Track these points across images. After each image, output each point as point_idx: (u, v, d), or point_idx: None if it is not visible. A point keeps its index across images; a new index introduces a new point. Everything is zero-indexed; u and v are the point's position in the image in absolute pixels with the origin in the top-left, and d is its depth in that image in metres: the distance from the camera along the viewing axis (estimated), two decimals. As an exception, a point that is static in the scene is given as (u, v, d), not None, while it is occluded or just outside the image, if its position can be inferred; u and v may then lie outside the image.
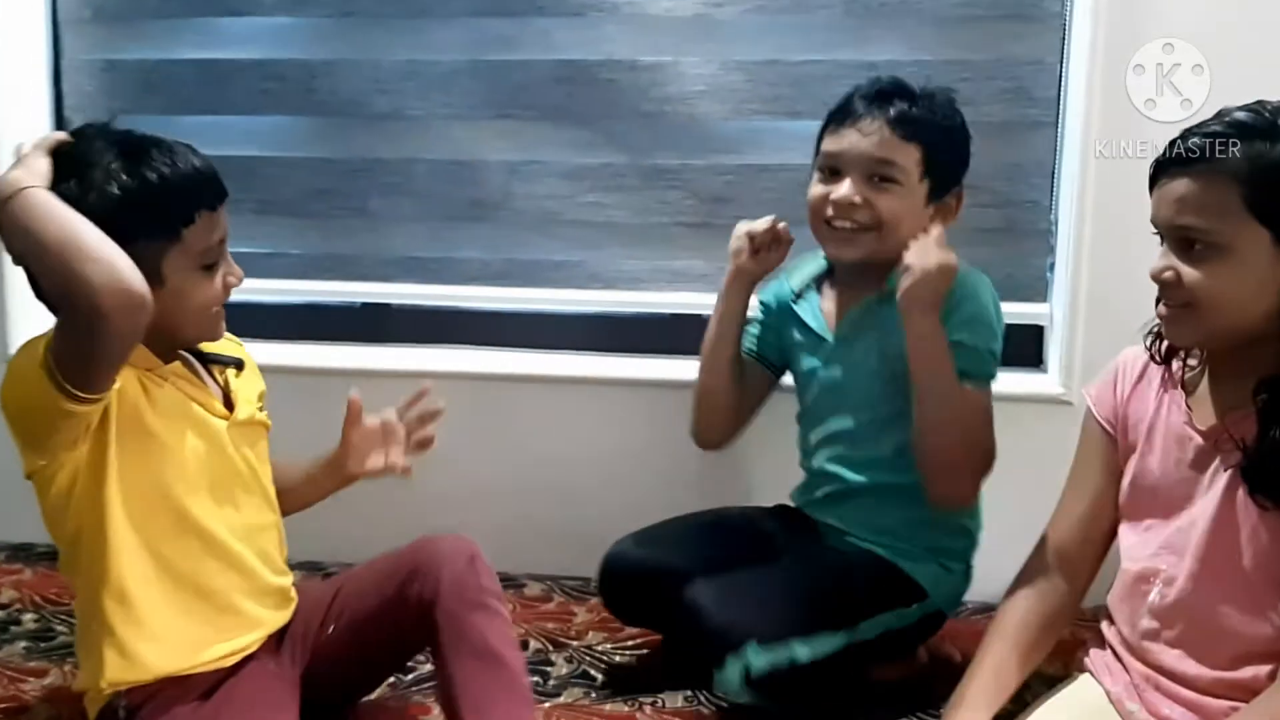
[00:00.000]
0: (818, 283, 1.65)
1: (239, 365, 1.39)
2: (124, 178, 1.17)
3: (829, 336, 1.61)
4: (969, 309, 1.51)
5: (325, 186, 2.06)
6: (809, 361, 1.64)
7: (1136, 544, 1.30)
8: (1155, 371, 1.32)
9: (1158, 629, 1.25)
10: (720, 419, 1.69)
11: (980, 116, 1.89)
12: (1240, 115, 1.19)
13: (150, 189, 1.18)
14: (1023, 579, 1.39)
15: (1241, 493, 1.17)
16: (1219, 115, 1.20)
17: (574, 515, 1.98)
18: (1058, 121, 1.88)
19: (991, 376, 1.53)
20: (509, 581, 1.92)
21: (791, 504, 1.72)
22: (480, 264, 2.07)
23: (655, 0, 1.92)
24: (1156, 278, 1.20)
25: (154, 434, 1.23)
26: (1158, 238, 1.22)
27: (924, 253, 1.45)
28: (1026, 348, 1.96)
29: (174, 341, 1.28)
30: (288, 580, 1.39)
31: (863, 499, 1.60)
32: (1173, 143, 1.20)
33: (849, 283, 1.60)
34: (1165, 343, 1.30)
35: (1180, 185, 1.17)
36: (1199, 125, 1.20)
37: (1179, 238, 1.18)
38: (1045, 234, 1.92)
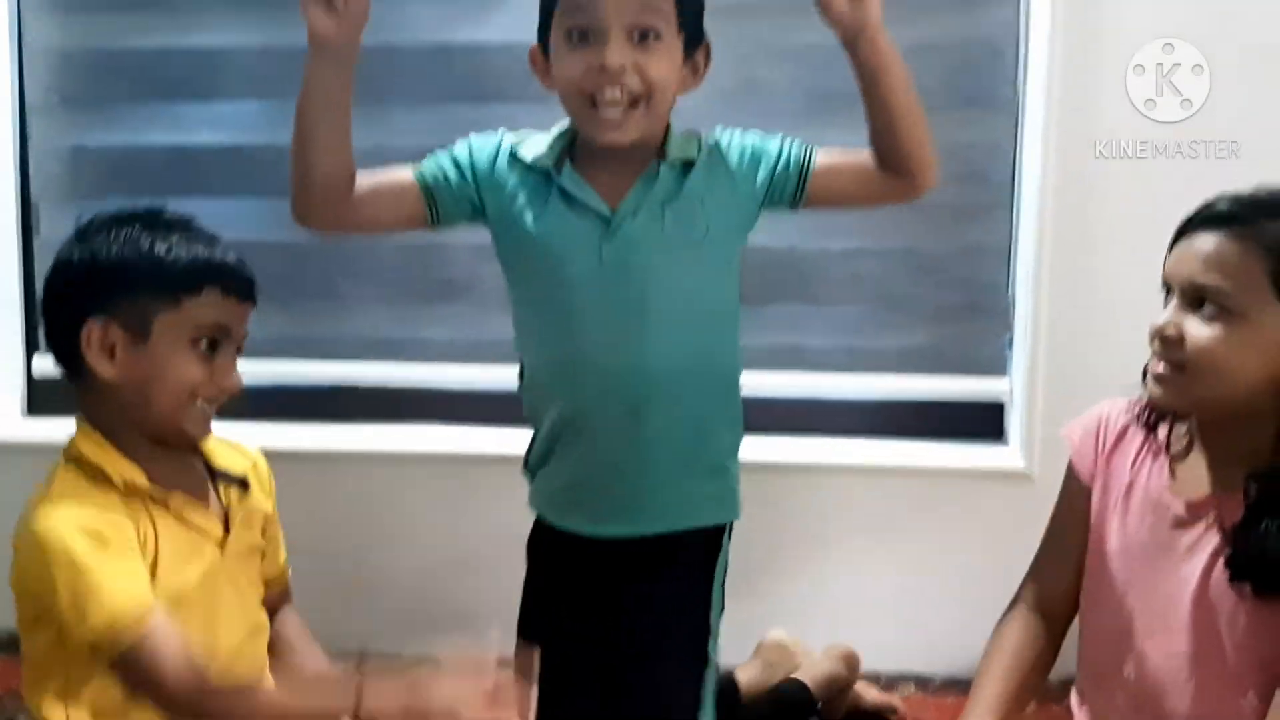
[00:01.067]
0: (561, 156, 1.36)
1: (244, 485, 1.36)
2: (145, 234, 1.24)
3: (609, 214, 1.32)
4: (744, 144, 1.39)
5: (293, 269, 2.07)
6: (577, 251, 1.33)
7: (1108, 616, 1.30)
8: (1138, 434, 1.32)
9: (1130, 709, 1.26)
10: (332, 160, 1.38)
11: (939, 199, 1.93)
12: (1276, 191, 1.20)
13: (165, 248, 1.23)
14: (1010, 617, 1.39)
15: (1219, 573, 1.18)
16: (1257, 189, 1.21)
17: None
18: (1013, 204, 1.94)
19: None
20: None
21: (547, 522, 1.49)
22: (447, 344, 2.08)
23: (620, 87, 1.97)
24: (1160, 333, 1.20)
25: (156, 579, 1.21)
26: (1165, 294, 1.23)
27: None
28: (988, 422, 2.01)
29: (141, 420, 1.24)
30: None
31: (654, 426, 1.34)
32: (1206, 205, 1.22)
33: (609, 159, 1.33)
34: (1152, 414, 1.30)
35: (1209, 242, 1.17)
36: (1240, 193, 1.21)
37: (1193, 296, 1.18)
38: (1004, 312, 1.97)
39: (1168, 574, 1.24)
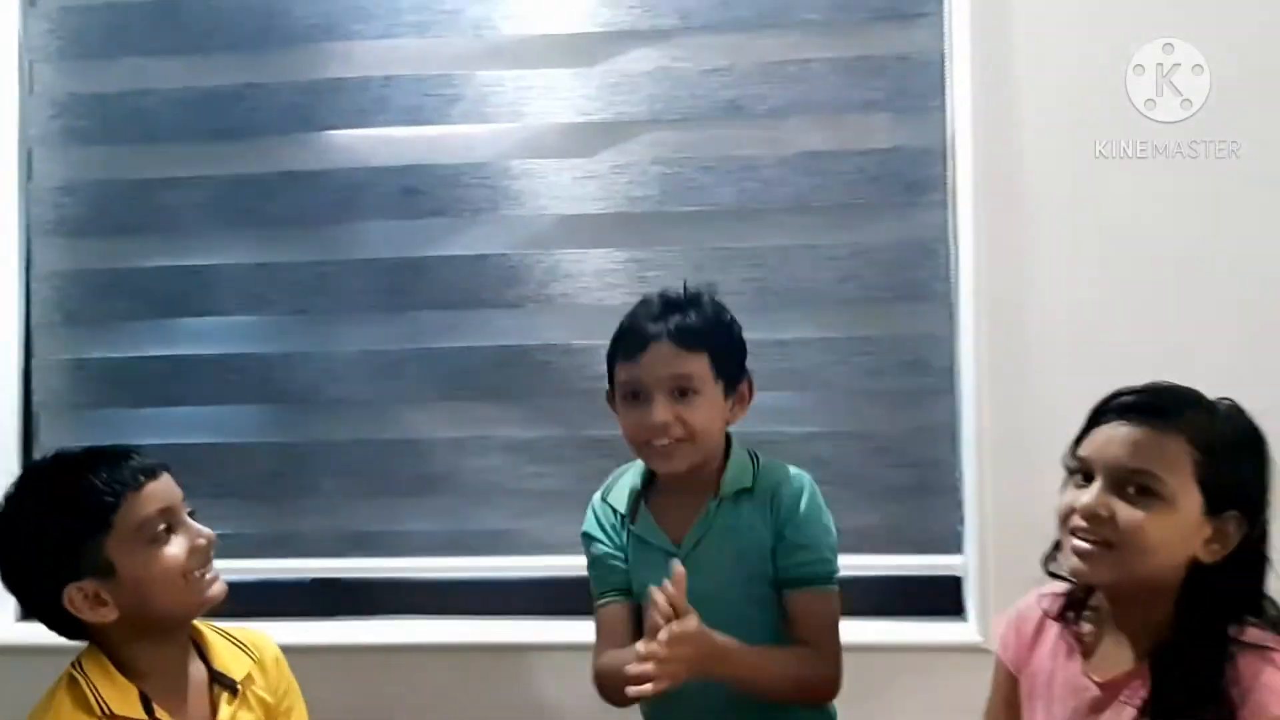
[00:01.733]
0: (637, 500, 1.64)
1: (233, 690, 1.39)
2: (50, 498, 1.30)
3: (674, 550, 1.58)
4: (789, 508, 1.57)
5: (279, 469, 2.17)
6: (651, 581, 1.52)
7: None
8: (1053, 627, 1.40)
9: None
10: None
11: (885, 386, 2.08)
12: (1178, 387, 1.29)
13: (76, 494, 1.28)
14: None
15: None
16: (1157, 384, 1.30)
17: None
18: (953, 389, 2.06)
19: (835, 572, 1.59)
20: None
21: None
22: (425, 535, 2.17)
23: (587, 292, 2.12)
24: (1088, 512, 1.25)
25: None
26: (1075, 476, 1.29)
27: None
28: (946, 598, 2.07)
29: (157, 624, 1.32)
30: None
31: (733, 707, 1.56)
32: (1120, 394, 1.29)
33: (678, 490, 1.61)
34: (1066, 603, 1.40)
35: (1138, 432, 1.24)
36: (1141, 385, 1.29)
37: (1120, 479, 1.24)
38: (953, 490, 2.06)
39: None
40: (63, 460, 1.35)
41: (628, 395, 1.57)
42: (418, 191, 2.16)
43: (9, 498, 1.33)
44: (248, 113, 2.19)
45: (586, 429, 2.11)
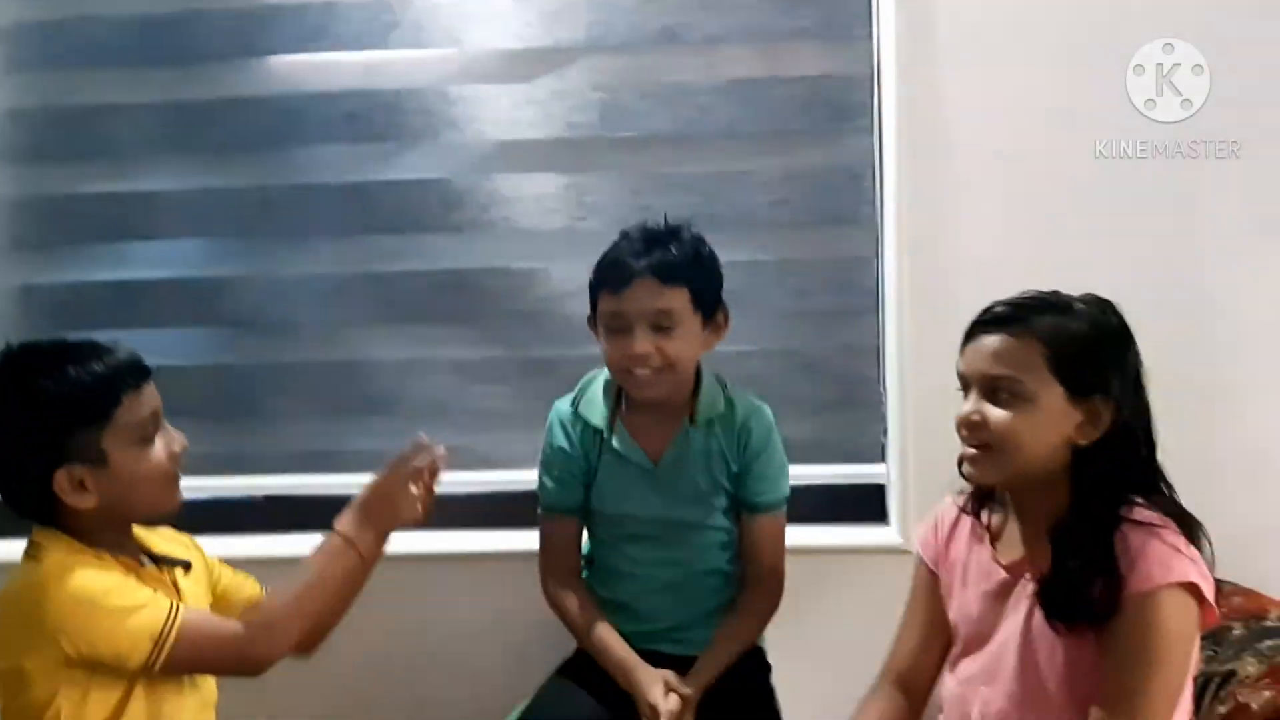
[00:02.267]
0: (612, 416, 1.76)
1: (186, 566, 1.49)
2: (51, 385, 1.33)
3: (652, 467, 1.75)
4: (757, 446, 1.74)
5: (228, 390, 2.24)
6: (626, 495, 1.77)
7: (959, 673, 1.49)
8: (966, 522, 1.53)
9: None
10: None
11: (815, 306, 2.17)
12: (1040, 294, 1.42)
13: (77, 386, 1.33)
14: (873, 695, 1.58)
15: (1038, 618, 1.36)
16: (1021, 294, 1.42)
17: (471, 690, 2.09)
18: (878, 309, 2.15)
19: (786, 496, 1.79)
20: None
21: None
22: (374, 454, 2.22)
23: (526, 216, 2.18)
24: (964, 421, 1.40)
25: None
26: (962, 391, 1.42)
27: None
28: (870, 505, 2.19)
29: (131, 517, 1.41)
30: None
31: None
32: (986, 310, 1.42)
33: (651, 410, 1.74)
34: (972, 496, 1.53)
35: (994, 341, 1.38)
36: (1007, 299, 1.42)
37: (988, 386, 1.38)
38: (878, 404, 2.17)
39: (998, 629, 1.43)
40: (65, 348, 1.38)
41: (610, 326, 1.67)
42: (358, 117, 2.20)
43: (6, 371, 1.37)
44: (190, 38, 2.21)
45: (528, 350, 2.19)
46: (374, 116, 2.20)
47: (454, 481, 2.20)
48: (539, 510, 1.84)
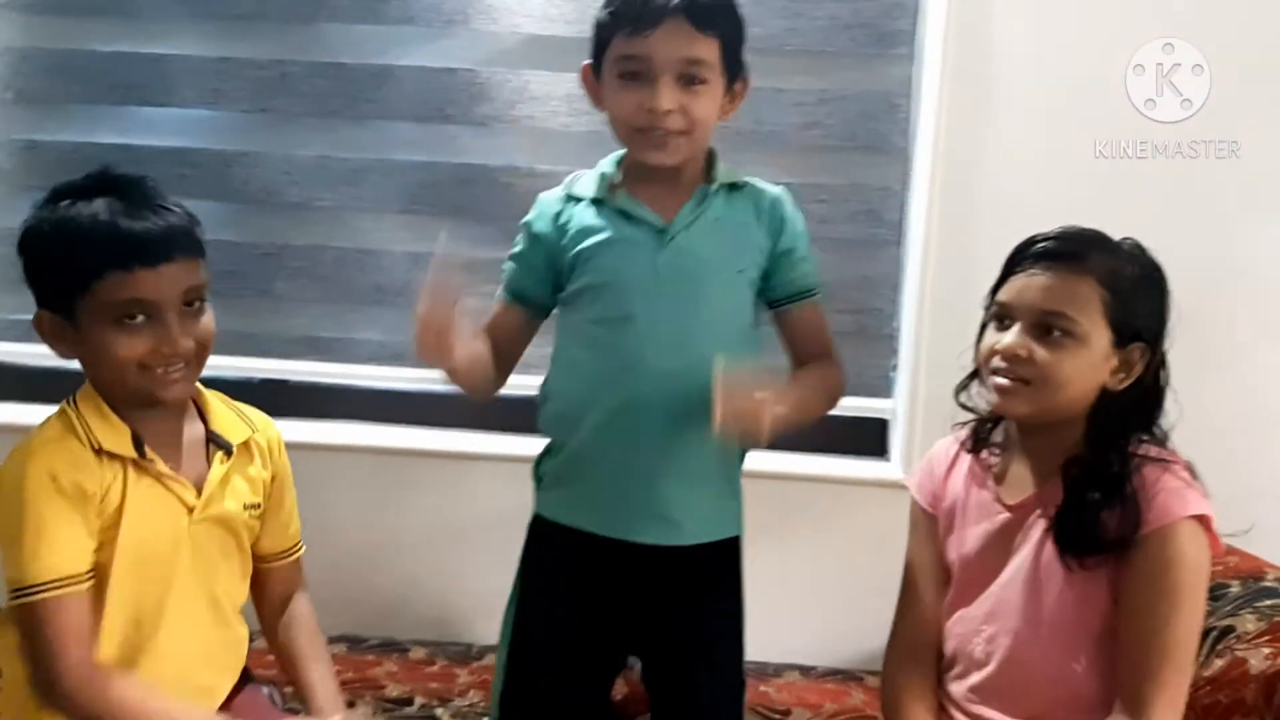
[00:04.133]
0: (611, 186, 1.49)
1: (228, 451, 1.40)
2: (58, 224, 1.28)
3: (665, 226, 1.45)
4: (796, 226, 1.52)
5: (234, 268, 2.19)
6: (634, 260, 1.45)
7: (960, 611, 1.49)
8: (965, 459, 1.53)
9: (979, 678, 1.43)
10: (492, 387, 1.57)
11: (836, 234, 2.14)
12: (1089, 232, 1.40)
13: (73, 235, 1.26)
14: (899, 662, 1.53)
15: (1046, 556, 1.37)
16: (1066, 229, 1.40)
17: (461, 585, 2.11)
18: (901, 241, 2.14)
19: (820, 281, 1.58)
20: (394, 645, 2.04)
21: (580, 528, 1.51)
22: (378, 345, 2.21)
23: (554, 116, 2.13)
24: (1008, 352, 1.35)
25: (122, 529, 1.29)
26: (997, 321, 1.39)
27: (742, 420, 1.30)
28: (872, 439, 2.20)
29: (113, 390, 1.31)
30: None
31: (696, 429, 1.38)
32: (1035, 241, 1.39)
33: (659, 180, 1.47)
34: (974, 432, 1.53)
35: (1049, 278, 1.35)
36: (1055, 231, 1.39)
37: (1038, 322, 1.35)
38: (889, 338, 2.16)
39: (1002, 566, 1.43)
40: (114, 189, 1.31)
41: (627, 74, 1.41)
42: (388, -3, 2.13)
43: (63, 190, 1.32)
44: (216, -99, 2.12)
45: (544, 253, 2.15)
46: (405, -3, 2.12)
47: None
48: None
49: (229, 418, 1.44)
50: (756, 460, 2.15)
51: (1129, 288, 1.35)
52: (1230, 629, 1.53)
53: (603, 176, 1.49)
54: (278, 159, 2.17)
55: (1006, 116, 2.02)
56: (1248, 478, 1.87)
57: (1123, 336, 1.35)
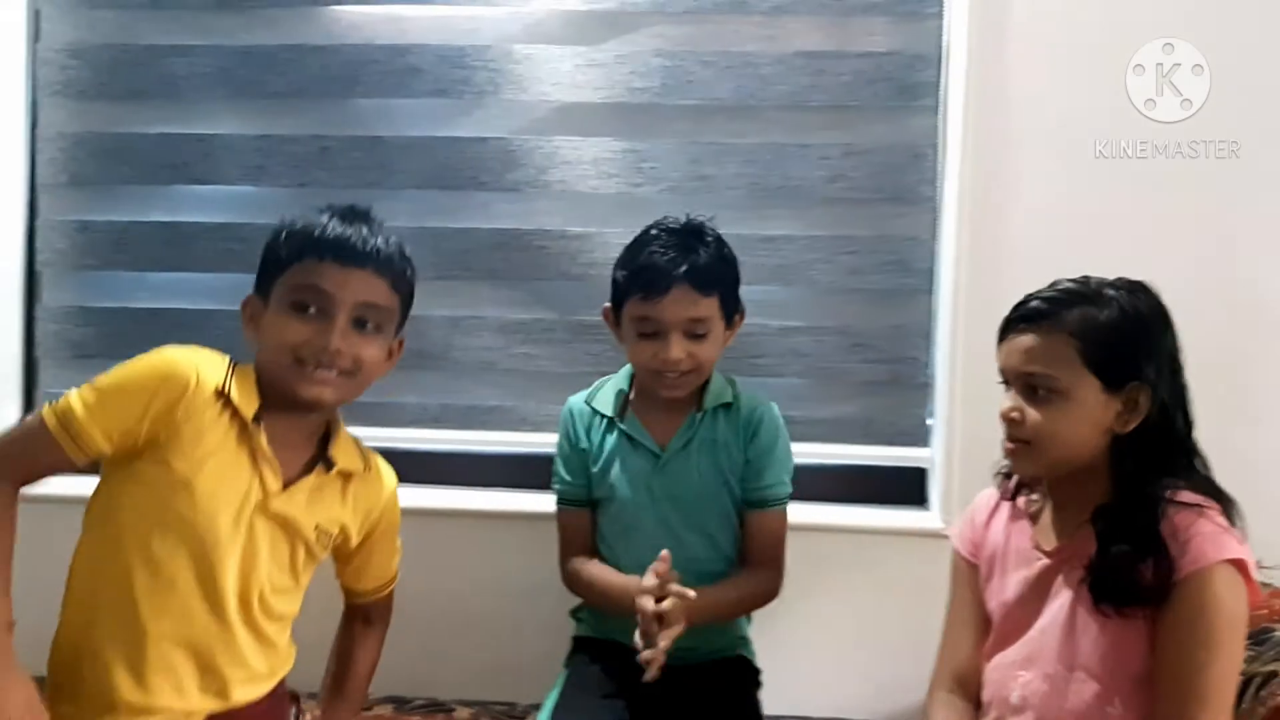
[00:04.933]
0: (624, 404, 1.81)
1: (327, 467, 1.47)
2: (295, 217, 1.47)
3: (660, 451, 1.77)
4: (766, 441, 1.77)
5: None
6: (633, 481, 1.78)
7: (999, 657, 1.48)
8: (1005, 507, 1.54)
9: (1019, 729, 1.43)
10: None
11: (866, 284, 2.15)
12: (1071, 285, 1.42)
13: (292, 227, 1.45)
14: (936, 704, 1.54)
15: (1083, 602, 1.37)
16: (1053, 285, 1.43)
17: (505, 644, 2.12)
18: (932, 290, 2.14)
19: (789, 494, 1.81)
20: (439, 707, 2.05)
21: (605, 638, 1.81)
22: (420, 409, 2.25)
23: (583, 180, 2.18)
24: (1005, 416, 1.43)
25: (201, 475, 1.38)
26: (1003, 385, 1.45)
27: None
28: (911, 488, 2.19)
29: (274, 386, 1.41)
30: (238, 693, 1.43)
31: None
32: (1018, 306, 1.43)
33: (661, 402, 1.77)
34: (1013, 480, 1.53)
35: (1027, 339, 1.40)
36: (1039, 292, 1.43)
37: (1025, 384, 1.40)
38: (924, 387, 2.16)
39: (1041, 612, 1.43)
40: (337, 209, 1.47)
41: (643, 331, 1.70)
42: (420, 71, 2.19)
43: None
44: (256, -18, 2.21)
45: (577, 313, 2.19)
46: (436, 70, 2.19)
47: (496, 441, 2.23)
48: (556, 503, 1.86)
49: (350, 449, 1.53)
50: (794, 513, 2.17)
51: (1105, 332, 1.36)
52: (1274, 674, 1.50)
53: (619, 394, 1.82)
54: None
55: (1031, 163, 2.03)
56: None
57: (1113, 381, 1.36)
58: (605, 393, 1.84)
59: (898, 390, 2.17)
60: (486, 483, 2.24)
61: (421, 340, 2.22)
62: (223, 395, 1.39)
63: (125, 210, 2.26)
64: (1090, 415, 1.37)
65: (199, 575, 1.39)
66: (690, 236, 1.71)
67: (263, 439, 1.40)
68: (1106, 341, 1.36)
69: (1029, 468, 1.45)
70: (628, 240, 1.77)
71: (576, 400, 1.86)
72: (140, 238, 2.25)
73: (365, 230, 1.44)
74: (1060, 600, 1.41)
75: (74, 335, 2.26)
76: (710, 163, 2.16)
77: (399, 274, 1.47)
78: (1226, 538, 1.31)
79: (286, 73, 2.22)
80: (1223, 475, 1.41)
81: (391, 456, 2.25)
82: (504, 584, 2.16)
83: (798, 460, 2.16)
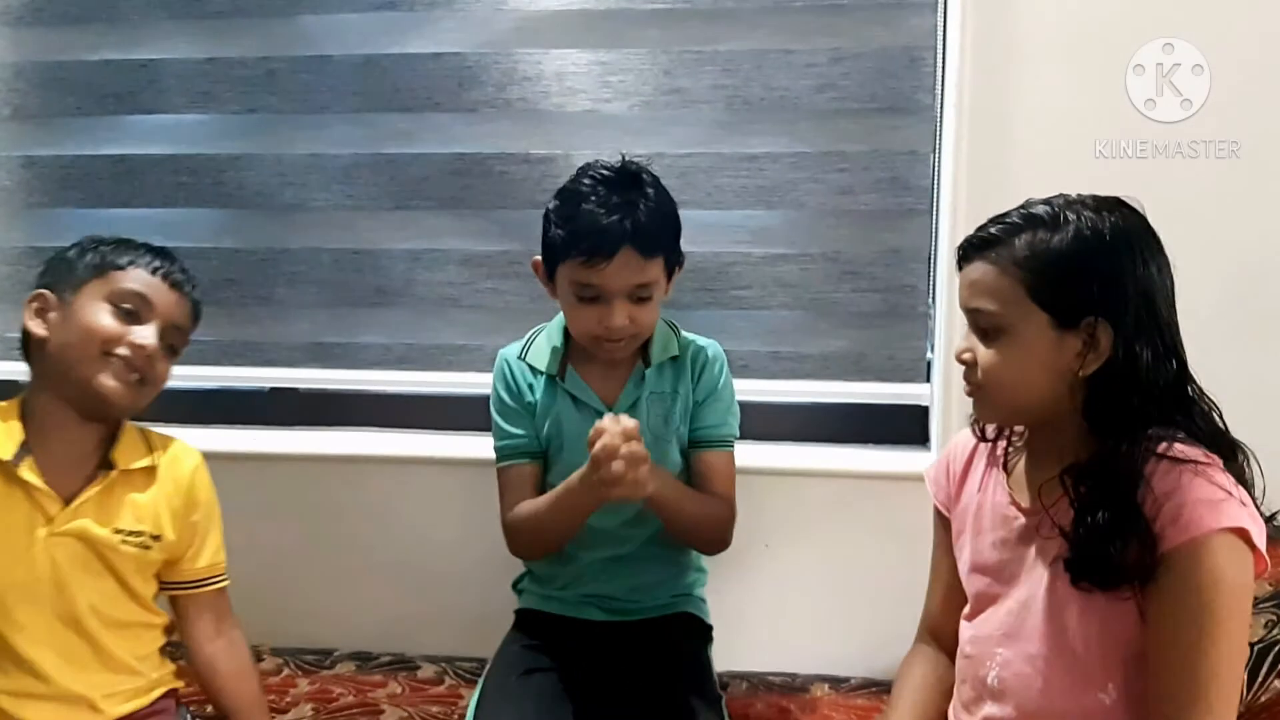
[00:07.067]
0: (563, 361, 1.67)
1: (108, 468, 1.42)
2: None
3: (608, 409, 1.62)
4: (709, 382, 1.66)
5: (234, 275, 2.12)
6: (579, 441, 1.53)
7: (972, 629, 1.33)
8: (983, 452, 1.37)
9: (995, 710, 1.27)
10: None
11: (858, 205, 1.96)
12: (1034, 207, 1.22)
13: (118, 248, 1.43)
14: (912, 653, 1.47)
15: (1064, 576, 1.19)
16: (1021, 206, 1.24)
17: (471, 598, 2.01)
18: (932, 209, 1.94)
19: (736, 436, 1.69)
20: (403, 663, 1.95)
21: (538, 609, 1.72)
22: (382, 349, 2.12)
23: (546, 97, 2.00)
24: (958, 358, 1.26)
25: None
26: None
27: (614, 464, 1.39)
28: (911, 426, 2.01)
29: (64, 377, 1.37)
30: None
31: (641, 563, 1.69)
32: (976, 230, 1.25)
33: (605, 360, 1.63)
34: (991, 429, 1.35)
35: (975, 270, 1.23)
36: (998, 215, 1.24)
37: (972, 322, 1.24)
38: (924, 317, 1.98)
39: (1020, 582, 1.26)
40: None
41: (583, 296, 1.55)
42: (369, -18, 2.03)
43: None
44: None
45: (546, 243, 2.02)
46: (386, -18, 2.02)
47: (463, 383, 2.09)
48: (499, 461, 1.68)
49: (134, 444, 1.47)
50: (781, 456, 2.02)
51: (1054, 260, 1.17)
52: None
53: (554, 351, 1.66)
54: (270, 160, 2.10)
55: (1040, 66, 1.85)
56: None
57: (1064, 316, 1.17)
58: (539, 347, 1.69)
59: (894, 321, 1.98)
60: (454, 426, 2.11)
61: (382, 276, 2.09)
62: None
63: (71, 144, 2.14)
64: (1041, 356, 1.18)
65: (19, 615, 1.37)
66: (630, 187, 1.54)
67: (25, 470, 1.36)
68: (1054, 271, 1.17)
69: (988, 414, 1.29)
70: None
71: (510, 352, 1.71)
72: (87, 172, 2.14)
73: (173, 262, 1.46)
74: (1041, 568, 1.23)
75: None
76: (684, 74, 1.97)
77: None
78: (1226, 502, 1.11)
79: (229, -12, 2.07)
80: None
81: (353, 400, 2.17)
82: (473, 534, 2.04)
83: (785, 399, 2.03)
